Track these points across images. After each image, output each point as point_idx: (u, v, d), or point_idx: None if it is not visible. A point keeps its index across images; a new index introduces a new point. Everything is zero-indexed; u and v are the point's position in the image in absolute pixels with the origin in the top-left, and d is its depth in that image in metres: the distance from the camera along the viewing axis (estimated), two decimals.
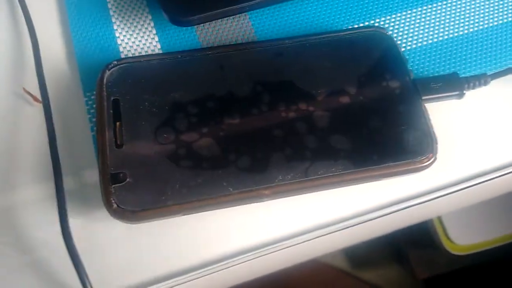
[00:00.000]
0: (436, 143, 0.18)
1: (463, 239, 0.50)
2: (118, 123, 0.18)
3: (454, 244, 0.50)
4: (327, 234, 0.19)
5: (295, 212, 0.19)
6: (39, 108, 0.20)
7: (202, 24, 0.22)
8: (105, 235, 0.19)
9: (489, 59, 0.22)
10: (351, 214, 0.19)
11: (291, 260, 0.21)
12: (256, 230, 0.19)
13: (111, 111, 0.18)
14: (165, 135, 0.18)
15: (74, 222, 0.18)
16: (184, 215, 0.17)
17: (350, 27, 0.22)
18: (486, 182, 0.20)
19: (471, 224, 0.50)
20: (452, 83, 0.20)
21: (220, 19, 0.22)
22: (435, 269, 0.54)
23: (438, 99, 0.20)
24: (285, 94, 0.19)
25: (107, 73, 0.19)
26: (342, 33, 0.21)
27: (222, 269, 0.18)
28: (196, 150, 0.18)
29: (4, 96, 0.21)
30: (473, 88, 0.20)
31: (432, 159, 0.18)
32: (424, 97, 0.19)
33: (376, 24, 0.22)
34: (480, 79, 0.20)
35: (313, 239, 0.19)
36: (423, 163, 0.18)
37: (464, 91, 0.20)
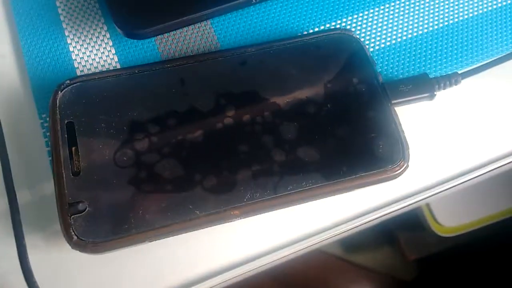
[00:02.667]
0: (408, 150, 0.18)
1: (450, 221, 0.51)
2: (73, 148, 0.17)
3: (441, 226, 0.51)
4: (305, 248, 0.18)
5: (268, 228, 0.18)
6: None
7: (161, 35, 0.20)
8: (67, 265, 0.18)
9: (459, 55, 0.21)
10: (327, 226, 0.18)
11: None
12: (228, 249, 0.18)
13: (66, 135, 0.17)
14: (124, 158, 0.17)
15: (33, 254, 0.17)
16: (149, 242, 0.17)
17: (316, 29, 0.21)
18: (460, 184, 0.19)
19: (457, 206, 0.51)
20: (422, 85, 0.19)
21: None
22: (425, 250, 0.55)
23: (409, 102, 0.19)
24: (249, 106, 0.18)
25: (60, 94, 0.18)
26: (307, 38, 0.20)
27: None
28: (158, 172, 0.17)
29: None
30: (444, 88, 0.19)
31: (404, 167, 0.17)
32: (394, 101, 0.19)
33: (343, 25, 0.22)
34: (450, 79, 0.19)
35: (289, 254, 0.18)
36: (395, 171, 0.17)
37: (435, 92, 0.19)
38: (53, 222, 0.18)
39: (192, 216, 0.16)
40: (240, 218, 0.17)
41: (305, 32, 0.21)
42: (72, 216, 0.16)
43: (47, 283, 0.17)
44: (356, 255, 0.57)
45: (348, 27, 0.22)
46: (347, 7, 0.22)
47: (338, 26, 0.22)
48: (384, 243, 0.58)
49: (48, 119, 0.19)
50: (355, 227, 0.19)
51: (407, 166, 0.17)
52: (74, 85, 0.18)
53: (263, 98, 0.18)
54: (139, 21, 0.18)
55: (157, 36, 0.21)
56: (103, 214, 0.16)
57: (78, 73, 0.20)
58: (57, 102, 0.18)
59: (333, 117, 0.18)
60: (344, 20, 0.22)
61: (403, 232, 0.56)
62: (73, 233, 0.16)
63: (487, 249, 0.53)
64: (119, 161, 0.17)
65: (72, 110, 0.18)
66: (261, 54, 0.19)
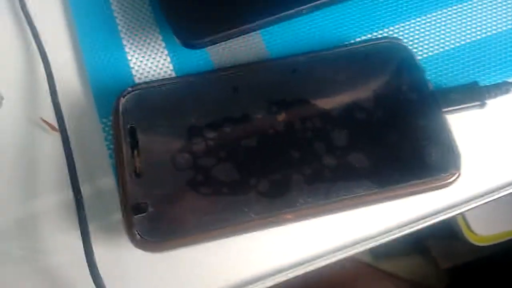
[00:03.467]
0: (460, 158, 0.18)
1: (484, 229, 0.50)
2: (135, 152, 0.18)
3: (475, 235, 0.50)
4: (348, 255, 0.19)
5: (320, 233, 0.19)
6: (57, 136, 0.21)
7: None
8: (127, 262, 0.19)
9: (509, 64, 0.21)
10: (375, 233, 0.18)
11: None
12: (280, 253, 0.19)
13: (129, 139, 0.18)
14: (182, 161, 0.18)
15: (97, 250, 0.18)
16: (206, 242, 0.17)
17: (364, 37, 0.22)
18: (509, 194, 0.19)
19: (492, 214, 0.50)
20: (472, 93, 0.19)
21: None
22: (457, 259, 0.54)
23: (459, 110, 0.19)
24: (301, 113, 0.19)
25: (122, 100, 0.19)
26: (356, 46, 0.20)
27: None
28: (215, 176, 0.18)
29: (23, 126, 0.21)
30: (495, 97, 0.19)
31: (457, 175, 0.17)
32: (444, 109, 0.19)
33: (390, 33, 0.22)
34: (501, 88, 0.19)
35: (332, 261, 0.19)
36: (448, 179, 0.17)
37: (486, 101, 0.19)
38: (115, 221, 0.19)
39: (247, 218, 0.17)
40: (293, 222, 0.17)
41: (353, 41, 0.22)
42: (135, 216, 0.17)
43: (108, 276, 0.18)
44: (384, 262, 0.57)
45: (396, 35, 0.22)
46: (395, 15, 0.22)
47: (385, 34, 0.22)
48: (414, 251, 0.57)
49: (109, 123, 0.21)
50: (401, 235, 0.19)
51: (459, 174, 0.18)
52: (135, 92, 0.19)
53: (313, 105, 0.19)
54: (197, 31, 0.19)
55: (211, 47, 0.22)
56: (163, 215, 0.17)
57: (136, 81, 0.21)
58: (120, 108, 0.19)
59: (384, 125, 0.18)
60: (392, 28, 0.22)
61: (435, 239, 0.55)
62: (136, 232, 0.17)
63: None
64: (178, 164, 0.18)
65: (133, 116, 0.19)
66: (311, 62, 0.20)
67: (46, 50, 0.22)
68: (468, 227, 0.50)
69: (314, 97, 0.19)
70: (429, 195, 0.18)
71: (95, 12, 0.23)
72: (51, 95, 0.21)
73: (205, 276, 0.18)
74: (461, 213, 0.19)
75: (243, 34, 0.20)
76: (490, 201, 0.19)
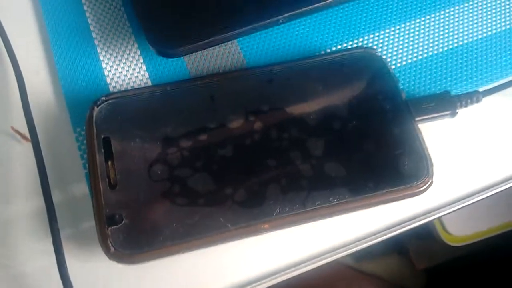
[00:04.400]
0: (432, 166, 0.18)
1: (459, 230, 0.51)
2: (110, 162, 0.18)
3: (451, 235, 0.51)
4: (326, 262, 0.19)
5: (294, 241, 0.19)
6: (29, 146, 0.20)
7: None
8: (99, 270, 0.18)
9: (480, 73, 0.22)
10: (352, 239, 0.19)
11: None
12: (256, 262, 0.19)
13: (102, 150, 0.18)
14: (158, 172, 0.18)
15: (70, 260, 0.18)
16: (182, 253, 0.17)
17: (339, 47, 0.22)
18: (482, 199, 0.20)
19: (467, 216, 0.51)
20: (444, 102, 0.20)
21: None
22: (433, 259, 0.55)
23: (431, 119, 0.20)
24: (277, 122, 0.19)
25: (96, 110, 0.19)
26: (331, 56, 0.21)
27: None
28: (191, 186, 0.18)
29: None
30: (466, 106, 0.20)
31: (429, 183, 0.18)
32: (417, 118, 0.19)
33: (365, 42, 0.22)
34: (472, 97, 0.20)
35: (310, 268, 0.19)
36: (420, 187, 0.18)
37: (457, 110, 0.20)
38: (88, 230, 0.19)
39: (224, 229, 0.17)
40: (270, 231, 0.17)
41: (329, 50, 0.22)
42: (110, 228, 0.17)
43: (80, 285, 0.18)
44: (365, 263, 0.58)
45: (370, 44, 0.22)
46: (369, 25, 0.23)
47: (360, 43, 0.22)
48: (394, 252, 0.58)
49: (82, 133, 0.20)
50: (376, 241, 0.19)
51: (432, 182, 0.18)
52: (109, 101, 0.19)
53: (290, 114, 0.19)
54: (172, 40, 0.19)
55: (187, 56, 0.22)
56: (139, 226, 0.17)
57: (111, 89, 0.21)
58: (94, 117, 0.19)
59: (358, 134, 0.19)
60: (366, 37, 0.22)
61: (413, 241, 0.56)
62: (110, 244, 0.17)
63: (496, 259, 0.53)
64: (153, 175, 0.18)
65: (107, 125, 0.19)
66: (287, 72, 0.20)
67: (18, 58, 0.21)
68: (444, 228, 0.51)
69: (290, 106, 0.19)
70: (403, 202, 0.18)
71: (68, 20, 0.22)
72: (22, 104, 0.20)
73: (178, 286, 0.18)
74: (435, 219, 0.19)
75: (219, 44, 0.20)
76: (463, 207, 0.19)
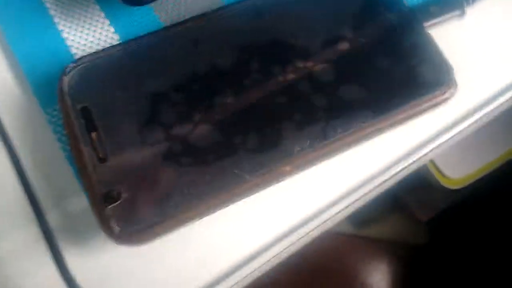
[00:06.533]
0: (452, 70, 0.16)
1: (457, 172, 0.50)
2: (94, 134, 0.15)
3: (449, 179, 0.50)
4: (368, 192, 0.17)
5: (321, 184, 0.17)
6: None
7: (160, 1, 0.19)
8: (108, 266, 0.16)
9: None
10: (384, 166, 0.17)
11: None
12: (283, 215, 0.17)
13: (83, 121, 0.15)
14: (153, 134, 0.15)
15: (71, 260, 0.15)
16: (199, 219, 0.15)
17: None
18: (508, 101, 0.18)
19: (461, 155, 0.50)
20: (451, 2, 0.18)
21: None
22: (435, 208, 0.55)
23: (440, 23, 0.18)
24: (277, 55, 0.17)
25: (66, 80, 0.16)
26: None
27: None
28: (194, 143, 0.15)
29: None
30: (472, 4, 0.18)
31: (454, 87, 0.16)
32: (426, 24, 0.17)
33: None
34: None
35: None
36: (446, 93, 0.16)
37: (465, 9, 0.18)
38: (77, 217, 0.16)
39: (241, 181, 0.15)
40: (293, 175, 0.15)
41: None
42: (108, 207, 0.14)
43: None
44: (367, 229, 0.56)
45: None
46: None
47: None
48: (394, 210, 0.57)
49: (55, 113, 0.17)
50: (408, 165, 0.17)
51: (456, 86, 0.16)
52: (80, 66, 0.16)
53: (289, 45, 0.17)
54: None
55: (156, 5, 0.19)
56: (142, 198, 0.15)
57: None
58: (66, 88, 0.16)
59: (368, 52, 0.17)
60: None
61: (410, 193, 0.55)
62: (114, 225, 0.14)
63: (498, 197, 0.52)
64: (148, 138, 0.15)
65: (83, 94, 0.16)
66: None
67: None
68: (440, 172, 0.50)
69: (287, 36, 0.17)
70: (426, 118, 0.16)
71: None
72: None
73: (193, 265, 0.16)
74: (464, 129, 0.17)
75: None
76: (492, 110, 0.18)
